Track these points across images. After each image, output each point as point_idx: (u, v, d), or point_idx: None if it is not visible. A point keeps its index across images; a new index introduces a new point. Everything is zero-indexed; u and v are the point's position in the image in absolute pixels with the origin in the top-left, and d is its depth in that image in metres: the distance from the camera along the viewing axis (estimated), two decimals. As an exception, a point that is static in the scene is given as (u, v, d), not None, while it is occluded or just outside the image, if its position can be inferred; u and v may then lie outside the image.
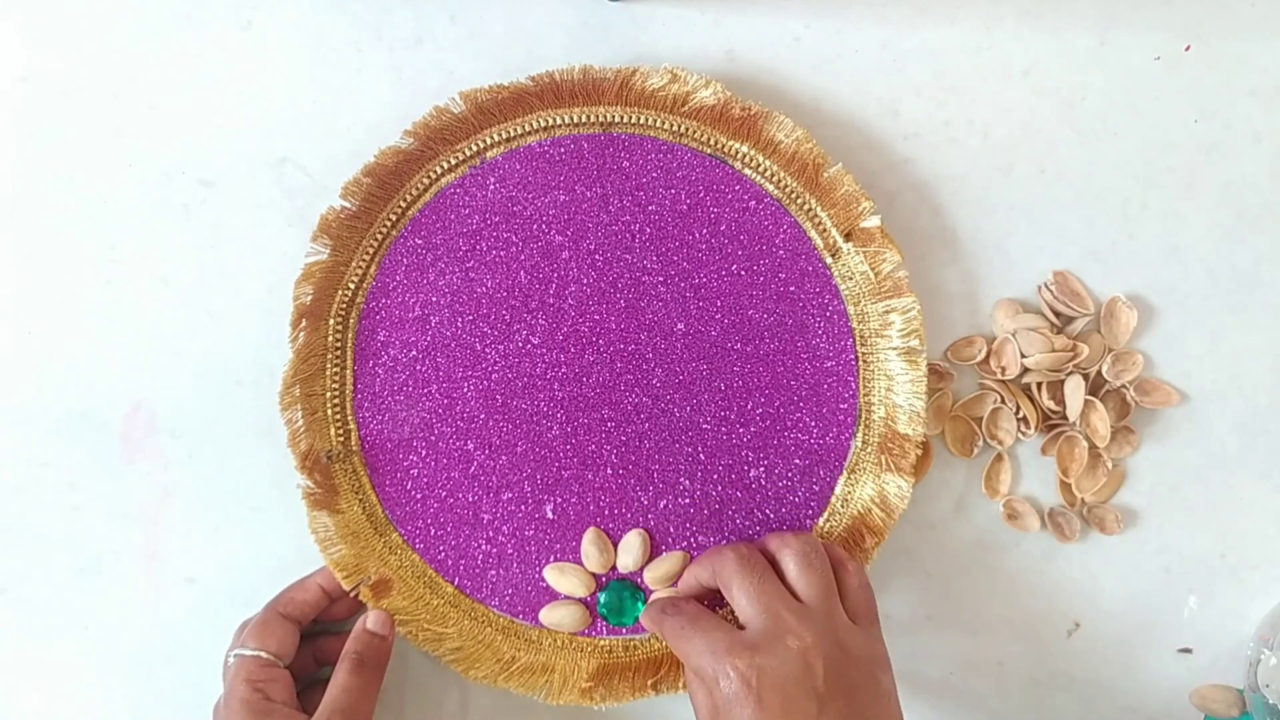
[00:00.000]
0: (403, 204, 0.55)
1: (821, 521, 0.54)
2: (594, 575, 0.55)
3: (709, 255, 0.55)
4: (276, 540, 0.55)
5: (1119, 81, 0.56)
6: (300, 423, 0.54)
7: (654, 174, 0.55)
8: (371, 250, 0.55)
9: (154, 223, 0.57)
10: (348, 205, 0.54)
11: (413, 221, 0.55)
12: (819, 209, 0.54)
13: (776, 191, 0.54)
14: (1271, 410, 0.56)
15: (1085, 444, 0.55)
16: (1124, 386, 0.55)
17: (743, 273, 0.55)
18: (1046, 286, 0.55)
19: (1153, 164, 0.56)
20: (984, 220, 0.56)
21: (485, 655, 0.54)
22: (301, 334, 0.54)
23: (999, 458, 0.56)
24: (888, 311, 0.54)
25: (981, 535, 0.56)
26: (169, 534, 0.56)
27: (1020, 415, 0.55)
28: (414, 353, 0.55)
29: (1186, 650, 0.56)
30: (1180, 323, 0.56)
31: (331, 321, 0.55)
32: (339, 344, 0.55)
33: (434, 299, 0.55)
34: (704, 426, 0.55)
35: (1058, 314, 0.55)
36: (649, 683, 0.54)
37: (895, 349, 0.54)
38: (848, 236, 0.54)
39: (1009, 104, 0.56)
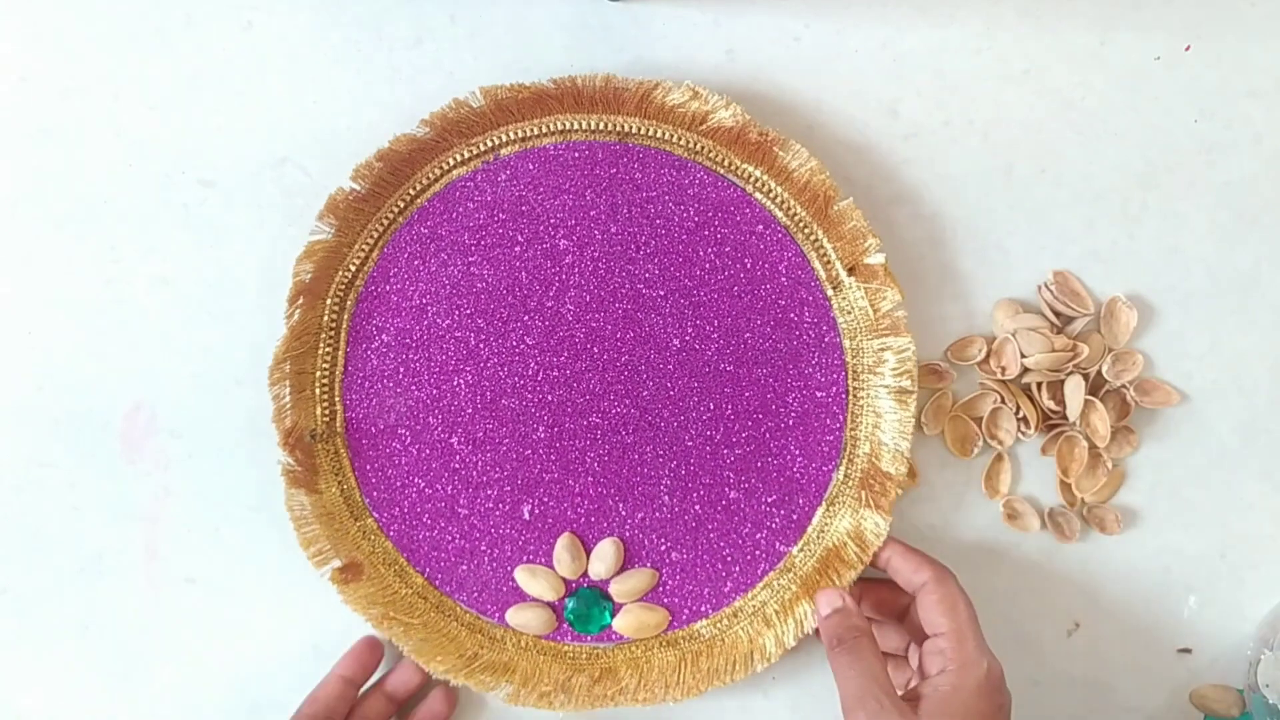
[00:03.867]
0: (411, 191, 0.55)
1: (795, 550, 0.54)
2: (564, 580, 0.54)
3: (711, 274, 0.55)
4: (276, 540, 0.55)
5: (1119, 81, 0.56)
6: (287, 399, 0.54)
7: (666, 188, 0.55)
8: (376, 234, 0.55)
9: (154, 223, 0.57)
10: (356, 188, 0.54)
11: (420, 210, 0.55)
12: (825, 240, 0.54)
13: (785, 219, 0.54)
14: (1271, 410, 0.56)
15: (1085, 444, 0.55)
16: (1124, 386, 0.55)
17: (743, 295, 0.55)
18: (1046, 286, 0.55)
19: (1153, 164, 0.56)
20: (984, 220, 0.56)
21: (448, 649, 0.54)
22: (298, 311, 0.54)
23: (999, 458, 0.56)
24: (883, 349, 0.53)
25: (981, 535, 0.56)
26: (169, 534, 0.56)
27: (1020, 415, 0.55)
28: (408, 340, 0.55)
29: (1186, 650, 0.56)
30: (1180, 323, 0.56)
31: (329, 301, 0.55)
32: (334, 324, 0.55)
33: (433, 289, 0.55)
34: (689, 443, 0.55)
35: (1058, 314, 0.55)
36: (610, 693, 0.54)
37: (887, 387, 0.53)
38: (851, 271, 0.54)
39: (1009, 104, 0.56)
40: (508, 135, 0.55)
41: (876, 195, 0.56)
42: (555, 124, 0.55)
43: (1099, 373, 0.55)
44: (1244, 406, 0.56)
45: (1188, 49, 0.56)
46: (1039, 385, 0.55)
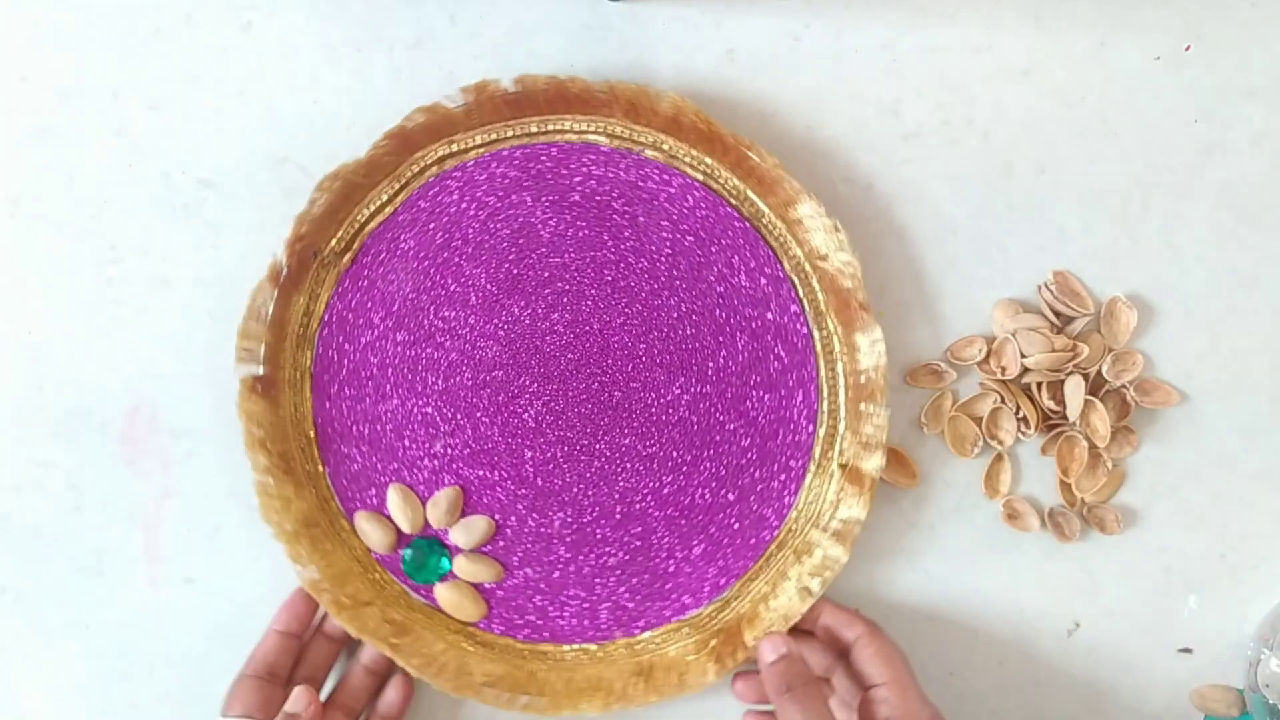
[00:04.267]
0: (536, 129, 0.55)
1: (614, 643, 0.55)
2: (426, 524, 0.55)
3: (740, 370, 0.55)
4: (276, 540, 0.55)
5: (1119, 81, 0.56)
6: (319, 210, 0.54)
7: (746, 279, 0.55)
8: (489, 138, 0.55)
9: (154, 223, 0.57)
10: (512, 89, 0.54)
11: (496, 154, 0.55)
12: (843, 428, 0.54)
13: (826, 388, 0.54)
14: (1271, 410, 0.56)
15: (1085, 444, 0.55)
16: (1124, 386, 0.55)
17: (750, 403, 0.55)
18: (1046, 286, 0.55)
19: (1153, 164, 0.56)
20: (984, 220, 0.56)
21: (290, 508, 0.54)
22: (381, 151, 0.54)
23: (999, 458, 0.56)
24: (814, 546, 0.54)
25: (981, 535, 0.56)
26: (169, 534, 0.56)
27: (1020, 415, 0.55)
28: (454, 241, 0.55)
29: (1186, 650, 0.56)
30: (1180, 323, 0.56)
31: (415, 157, 0.55)
32: (402, 181, 0.55)
33: (502, 213, 0.55)
34: (607, 493, 0.55)
35: (1058, 314, 0.55)
36: (389, 640, 0.54)
37: (797, 577, 0.54)
38: (843, 466, 0.54)
39: (1009, 104, 0.56)
40: (602, 127, 0.54)
41: (876, 195, 0.56)
42: (647, 137, 0.54)
43: (1099, 373, 0.55)
44: (1244, 406, 0.56)
45: (1188, 49, 0.56)
46: (1039, 385, 0.55)
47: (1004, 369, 0.55)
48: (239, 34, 0.57)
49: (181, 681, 0.56)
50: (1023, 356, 0.55)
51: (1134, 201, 0.56)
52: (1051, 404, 0.55)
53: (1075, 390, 0.55)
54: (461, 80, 0.55)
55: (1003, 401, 0.55)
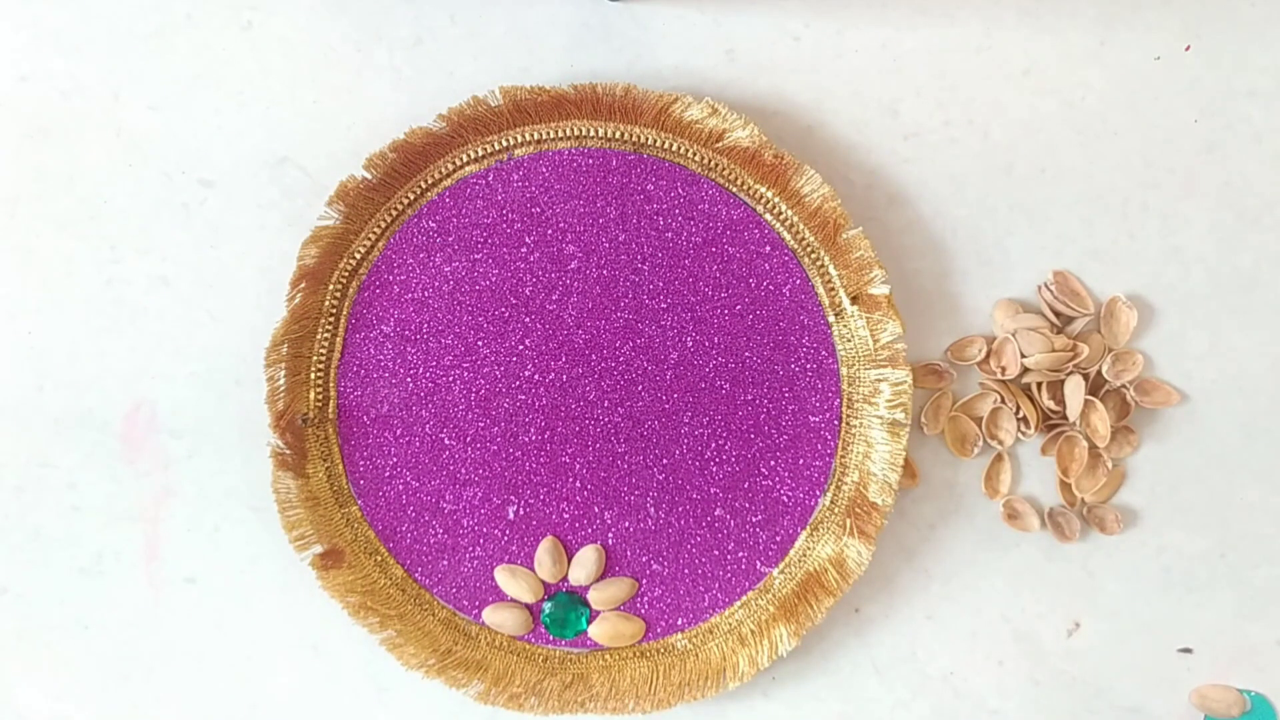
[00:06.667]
0: (423, 185, 0.55)
1: (776, 571, 0.54)
2: (544, 583, 0.55)
3: (715, 291, 0.55)
4: (276, 540, 0.55)
5: (1119, 81, 0.56)
6: (282, 382, 0.54)
7: (677, 202, 0.55)
8: (384, 224, 0.55)
9: (154, 223, 0.57)
10: (368, 176, 0.54)
11: (430, 204, 0.55)
12: (831, 267, 0.54)
13: (793, 242, 0.54)
14: (1271, 410, 0.56)
15: (1085, 444, 0.55)
16: (1124, 386, 0.55)
17: (745, 314, 0.55)
18: (1046, 286, 0.55)
19: (1153, 164, 0.56)
20: (984, 220, 0.56)
21: (423, 643, 0.54)
22: (299, 295, 0.54)
23: (999, 458, 0.56)
24: (880, 380, 0.54)
25: (981, 535, 0.56)
26: (169, 534, 0.56)
27: (1020, 415, 0.55)
28: (406, 333, 0.55)
29: (1186, 650, 0.56)
30: (1180, 323, 0.56)
31: (331, 287, 0.55)
32: (334, 310, 0.55)
33: (436, 284, 0.55)
34: (679, 457, 0.55)
35: (1058, 314, 0.55)
36: (580, 699, 0.54)
37: (880, 418, 0.54)
38: (854, 299, 0.54)
39: (1009, 104, 0.56)
40: (523, 136, 0.55)
41: (876, 195, 0.56)
42: (571, 129, 0.55)
43: (1099, 373, 0.55)
44: (1244, 406, 0.56)
45: (1188, 49, 0.56)
46: (1039, 385, 0.55)
47: (1004, 369, 0.55)
48: (239, 34, 0.57)
49: (181, 681, 0.56)
50: (1023, 356, 0.55)
51: (1134, 201, 0.56)
52: (1051, 404, 0.55)
53: (1075, 390, 0.55)
54: (461, 80, 0.55)
55: (1003, 401, 0.55)
